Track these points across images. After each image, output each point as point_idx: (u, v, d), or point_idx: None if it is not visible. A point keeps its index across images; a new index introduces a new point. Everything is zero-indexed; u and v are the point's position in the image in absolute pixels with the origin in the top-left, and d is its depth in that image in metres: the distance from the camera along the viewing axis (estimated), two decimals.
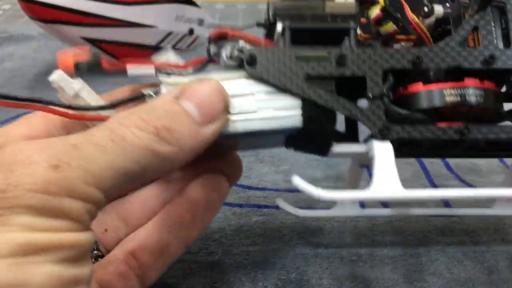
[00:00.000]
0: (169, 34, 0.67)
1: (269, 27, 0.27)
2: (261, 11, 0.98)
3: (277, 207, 0.38)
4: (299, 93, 0.25)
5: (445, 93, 0.26)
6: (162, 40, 0.66)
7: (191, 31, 0.70)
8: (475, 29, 0.26)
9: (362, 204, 0.33)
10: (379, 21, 0.27)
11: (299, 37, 0.26)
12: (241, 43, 0.26)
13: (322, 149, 0.27)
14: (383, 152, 0.25)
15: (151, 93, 0.25)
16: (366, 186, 0.25)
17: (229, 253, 0.33)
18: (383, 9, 0.26)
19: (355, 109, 0.25)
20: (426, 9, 0.27)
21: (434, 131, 0.25)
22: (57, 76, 0.24)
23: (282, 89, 0.25)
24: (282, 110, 0.25)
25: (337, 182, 0.42)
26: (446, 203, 0.39)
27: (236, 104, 0.24)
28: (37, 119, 0.25)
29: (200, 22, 0.72)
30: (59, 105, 0.24)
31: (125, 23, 0.61)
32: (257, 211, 0.38)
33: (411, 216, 0.25)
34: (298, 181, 0.24)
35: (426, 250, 0.34)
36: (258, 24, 0.27)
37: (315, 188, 0.24)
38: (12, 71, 0.62)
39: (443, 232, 0.36)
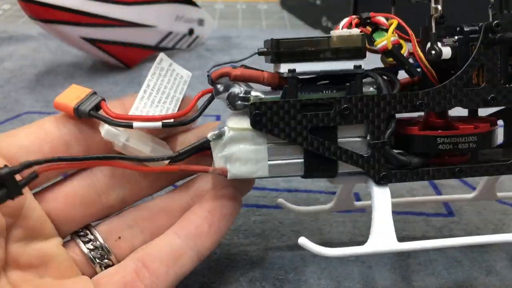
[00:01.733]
0: (169, 34, 0.67)
1: (274, 58, 0.26)
2: (261, 11, 0.98)
3: (276, 207, 0.38)
4: (302, 145, 0.26)
5: (439, 141, 0.27)
6: (162, 40, 0.66)
7: (191, 31, 0.70)
8: (481, 66, 0.26)
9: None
10: (385, 53, 0.27)
11: (304, 80, 0.27)
12: (244, 88, 0.26)
13: (328, 177, 0.28)
14: (381, 201, 0.27)
15: (215, 137, 0.26)
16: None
17: (227, 253, 0.33)
18: (390, 53, 0.26)
19: (357, 157, 0.26)
20: (433, 52, 0.26)
21: (430, 172, 0.27)
22: (104, 132, 0.25)
23: (286, 140, 0.26)
24: (285, 160, 0.26)
25: None
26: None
27: (240, 153, 0.26)
28: (49, 123, 0.25)
29: (200, 22, 0.72)
30: (125, 158, 0.25)
31: (125, 23, 0.61)
32: (256, 211, 0.38)
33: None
34: (304, 241, 0.26)
35: (425, 250, 0.34)
36: (260, 53, 0.26)
37: (321, 248, 0.26)
38: (12, 71, 0.62)
39: (441, 232, 0.36)
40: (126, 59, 0.64)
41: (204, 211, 0.27)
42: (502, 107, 0.29)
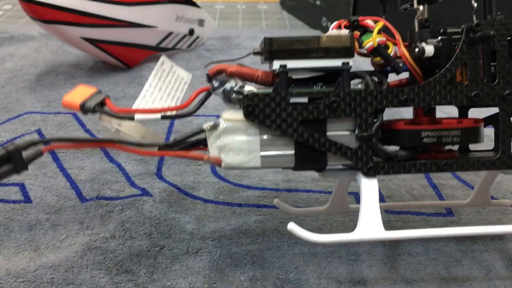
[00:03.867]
0: (170, 34, 0.67)
1: (267, 56, 0.28)
2: (261, 11, 0.98)
3: (276, 207, 0.38)
4: (293, 136, 0.27)
5: (423, 135, 0.28)
6: (163, 40, 0.66)
7: (191, 31, 0.70)
8: (464, 64, 0.28)
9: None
10: (372, 53, 0.28)
11: (297, 79, 0.28)
12: (239, 83, 0.27)
13: (318, 170, 0.29)
14: (369, 191, 0.28)
15: (210, 127, 0.27)
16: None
17: (228, 253, 0.33)
18: (376, 50, 0.28)
19: (346, 149, 0.27)
20: (417, 49, 0.28)
21: (416, 165, 0.28)
22: (103, 118, 0.27)
23: (277, 131, 0.27)
24: (276, 151, 0.28)
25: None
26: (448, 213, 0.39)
27: (233, 143, 0.27)
28: None
29: (201, 22, 0.72)
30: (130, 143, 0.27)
31: (125, 23, 0.61)
32: (257, 211, 0.38)
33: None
34: (293, 227, 0.27)
35: (425, 249, 0.34)
36: (255, 53, 0.28)
37: (309, 233, 0.27)
38: (12, 71, 0.62)
39: None
40: (127, 59, 0.64)
41: None
42: (494, 113, 0.29)
